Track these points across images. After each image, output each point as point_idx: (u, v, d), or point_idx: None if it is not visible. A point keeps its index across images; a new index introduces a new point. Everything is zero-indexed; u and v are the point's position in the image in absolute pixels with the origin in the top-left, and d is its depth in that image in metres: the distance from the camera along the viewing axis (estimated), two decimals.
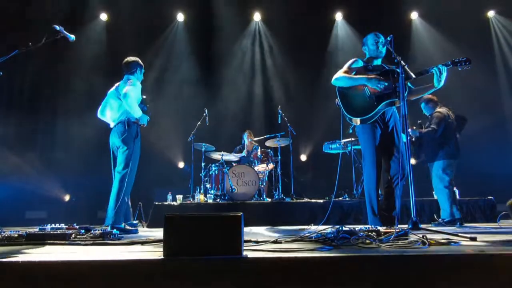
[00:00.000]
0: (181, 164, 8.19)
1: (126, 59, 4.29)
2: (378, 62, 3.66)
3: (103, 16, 8.02)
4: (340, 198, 6.06)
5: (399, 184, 3.35)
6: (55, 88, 7.47)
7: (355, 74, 3.56)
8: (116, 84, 4.29)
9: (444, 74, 3.22)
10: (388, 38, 3.34)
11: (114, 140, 4.12)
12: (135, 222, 4.35)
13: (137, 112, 4.05)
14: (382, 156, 3.50)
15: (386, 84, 3.38)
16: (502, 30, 7.91)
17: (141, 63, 4.34)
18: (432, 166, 4.89)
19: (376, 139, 3.47)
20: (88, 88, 7.44)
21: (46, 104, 7.48)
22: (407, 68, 3.17)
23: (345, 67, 3.64)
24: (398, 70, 3.17)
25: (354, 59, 3.69)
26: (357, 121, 3.52)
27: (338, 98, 3.63)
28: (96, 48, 7.90)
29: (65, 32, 3.53)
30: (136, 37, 7.89)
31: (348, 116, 3.56)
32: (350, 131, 5.71)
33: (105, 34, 8.08)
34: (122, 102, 4.03)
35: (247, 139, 7.23)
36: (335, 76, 3.60)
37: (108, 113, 4.25)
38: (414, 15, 8.36)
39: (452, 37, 7.68)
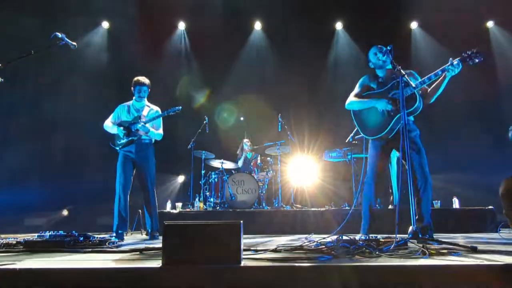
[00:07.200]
0: (181, 178, 8.18)
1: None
2: (385, 72, 3.65)
3: (105, 24, 8.08)
4: (341, 207, 6.04)
5: (421, 193, 3.30)
6: (56, 95, 7.47)
7: (367, 92, 3.61)
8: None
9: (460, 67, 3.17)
10: (388, 48, 3.34)
11: None
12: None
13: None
14: (398, 168, 3.58)
15: (391, 103, 3.38)
16: (501, 40, 7.96)
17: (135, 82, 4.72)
18: None
19: (379, 155, 3.55)
20: (89, 95, 7.46)
21: (46, 110, 7.48)
22: (407, 79, 3.15)
23: (355, 89, 3.72)
24: (407, 81, 3.16)
25: (362, 77, 3.74)
26: (382, 137, 3.53)
27: (354, 122, 3.69)
28: (97, 55, 7.94)
29: (67, 40, 3.56)
30: (137, 45, 7.93)
31: (369, 138, 3.61)
32: (351, 139, 5.74)
33: (107, 41, 8.13)
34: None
35: (247, 147, 7.25)
36: (347, 100, 3.69)
37: None
38: (414, 25, 8.41)
39: (451, 47, 7.71)
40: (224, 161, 6.63)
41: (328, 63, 8.51)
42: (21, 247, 2.77)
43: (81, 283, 1.73)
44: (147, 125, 4.52)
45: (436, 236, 3.20)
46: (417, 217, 3.26)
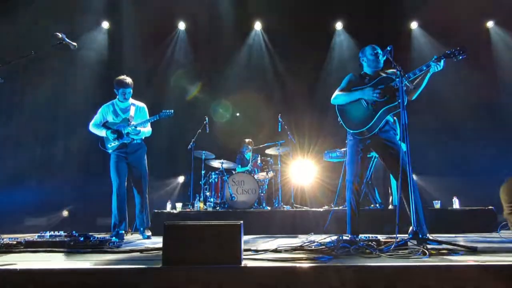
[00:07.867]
0: (181, 179, 8.16)
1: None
2: (373, 71, 3.66)
3: (105, 24, 8.08)
4: (341, 207, 6.03)
5: (407, 193, 3.30)
6: (56, 95, 7.47)
7: (353, 88, 3.58)
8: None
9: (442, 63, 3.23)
10: (388, 48, 3.33)
11: None
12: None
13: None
14: (390, 169, 3.51)
15: (379, 91, 3.38)
16: (502, 40, 7.95)
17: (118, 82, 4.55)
18: None
19: (359, 153, 3.56)
20: (89, 95, 7.46)
21: (46, 110, 7.48)
22: (407, 81, 3.17)
23: (341, 85, 3.70)
24: (394, 77, 3.19)
25: (349, 74, 3.72)
26: (364, 132, 3.51)
27: (339, 116, 3.66)
28: (98, 55, 7.94)
29: (67, 40, 3.57)
30: (138, 45, 7.93)
31: (351, 131, 3.57)
32: None
33: (107, 41, 8.12)
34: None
35: (247, 149, 7.23)
36: (333, 95, 3.66)
37: None
38: (414, 25, 8.40)
39: (452, 47, 7.70)
40: (224, 161, 6.62)
41: (328, 63, 8.50)
42: (21, 247, 2.77)
43: (81, 284, 1.73)
44: (137, 128, 4.49)
45: (436, 236, 3.20)
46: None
